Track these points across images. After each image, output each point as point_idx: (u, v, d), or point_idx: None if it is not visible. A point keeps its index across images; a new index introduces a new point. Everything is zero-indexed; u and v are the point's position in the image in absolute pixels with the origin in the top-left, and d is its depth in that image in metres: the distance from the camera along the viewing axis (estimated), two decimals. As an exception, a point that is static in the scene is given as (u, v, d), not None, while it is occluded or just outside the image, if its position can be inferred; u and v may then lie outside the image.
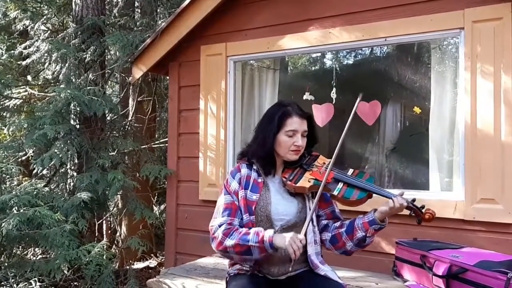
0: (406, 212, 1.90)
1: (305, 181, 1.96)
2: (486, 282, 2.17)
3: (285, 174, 2.02)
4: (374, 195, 1.93)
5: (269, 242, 1.83)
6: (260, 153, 2.01)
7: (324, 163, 2.04)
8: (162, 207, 6.51)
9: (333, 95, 3.52)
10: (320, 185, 1.90)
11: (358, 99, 1.99)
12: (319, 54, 5.27)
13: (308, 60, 6.10)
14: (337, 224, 2.02)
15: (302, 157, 2.05)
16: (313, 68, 6.12)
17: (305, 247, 1.97)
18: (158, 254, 5.96)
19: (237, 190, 2.01)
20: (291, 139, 1.96)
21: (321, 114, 3.58)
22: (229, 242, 1.90)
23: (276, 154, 2.02)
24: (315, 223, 2.02)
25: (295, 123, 1.96)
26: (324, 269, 1.99)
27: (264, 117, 2.08)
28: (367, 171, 2.05)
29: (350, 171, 2.01)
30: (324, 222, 2.05)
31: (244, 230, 1.92)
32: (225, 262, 2.54)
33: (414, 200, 1.90)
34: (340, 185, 1.94)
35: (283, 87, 4.11)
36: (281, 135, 1.97)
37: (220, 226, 1.95)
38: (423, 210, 1.88)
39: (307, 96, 3.75)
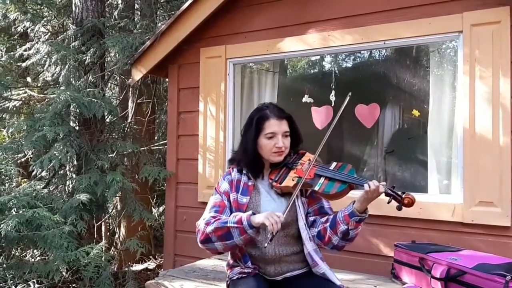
0: (386, 199, 1.87)
1: (289, 180, 1.99)
2: (485, 285, 2.17)
3: (271, 175, 2.06)
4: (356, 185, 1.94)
5: (247, 220, 1.84)
6: (245, 159, 2.05)
7: (309, 160, 2.06)
8: (161, 209, 6.51)
9: (332, 97, 3.53)
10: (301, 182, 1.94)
11: (347, 99, 2.01)
12: (318, 57, 5.28)
13: (308, 63, 6.11)
14: (324, 219, 2.02)
15: (287, 157, 2.07)
16: (312, 71, 6.13)
17: (300, 245, 2.01)
18: (157, 256, 5.95)
19: (227, 190, 2.06)
20: (271, 141, 1.99)
21: (320, 117, 3.59)
22: (209, 228, 1.91)
23: (262, 157, 2.05)
24: (305, 220, 2.02)
25: (272, 126, 1.99)
26: (323, 268, 1.99)
27: (245, 123, 2.11)
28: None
29: (333, 164, 2.03)
30: (312, 218, 2.06)
31: (225, 217, 1.94)
32: (224, 264, 2.54)
33: (393, 187, 1.89)
34: (321, 180, 1.96)
35: (282, 89, 4.13)
36: (261, 139, 2.00)
37: (204, 219, 1.98)
38: (403, 196, 1.86)
39: (306, 98, 3.76)
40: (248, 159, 2.04)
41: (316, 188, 1.95)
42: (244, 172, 2.09)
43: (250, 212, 1.89)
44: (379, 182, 1.86)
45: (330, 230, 1.94)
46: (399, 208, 1.86)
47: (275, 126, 1.99)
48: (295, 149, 2.11)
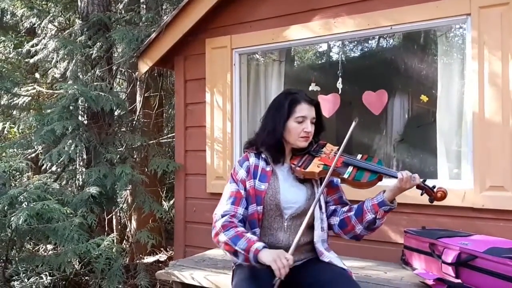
0: (417, 192, 1.89)
1: (315, 166, 1.98)
2: (496, 269, 2.15)
3: (293, 161, 2.04)
4: (384, 177, 1.94)
5: (254, 254, 1.79)
6: (270, 141, 2.01)
7: (332, 150, 2.06)
8: (172, 202, 6.54)
9: (339, 85, 3.50)
10: (329, 170, 1.92)
11: (354, 123, 1.99)
12: (325, 45, 5.24)
13: (314, 51, 6.07)
14: (345, 208, 2.03)
15: (309, 145, 2.06)
16: (319, 60, 6.09)
17: (312, 234, 1.99)
18: (168, 249, 5.99)
19: (245, 179, 2.02)
20: (300, 125, 1.98)
21: (328, 105, 3.56)
22: (222, 237, 1.89)
23: (285, 142, 2.04)
24: (323, 209, 2.01)
25: (304, 110, 1.99)
26: (329, 256, 1.99)
27: (272, 106, 2.09)
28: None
29: (359, 156, 2.02)
30: (332, 207, 2.06)
31: (241, 229, 1.90)
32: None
33: (425, 180, 1.90)
34: (350, 168, 1.95)
35: (288, 78, 4.11)
36: (290, 122, 1.99)
37: (222, 216, 1.94)
38: (435, 190, 1.87)
39: (313, 87, 3.73)
40: (273, 142, 2.01)
41: (346, 176, 1.93)
42: (263, 156, 2.06)
43: (261, 245, 1.81)
44: (409, 173, 1.85)
45: (355, 218, 1.94)
46: (431, 201, 1.89)
47: (306, 110, 1.99)
48: (316, 138, 2.10)
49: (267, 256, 1.76)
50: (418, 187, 1.87)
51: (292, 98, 2.01)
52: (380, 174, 1.92)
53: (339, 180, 2.09)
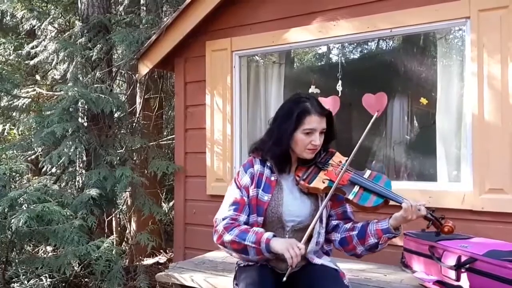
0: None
1: (319, 182, 1.91)
2: (496, 271, 2.15)
3: (298, 172, 1.97)
4: (391, 201, 1.87)
5: (265, 243, 1.78)
6: (275, 151, 1.95)
7: (340, 162, 1.98)
8: (171, 204, 6.53)
9: (339, 87, 3.51)
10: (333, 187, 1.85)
11: (375, 115, 1.97)
12: (324, 48, 5.25)
13: (314, 53, 6.08)
14: (348, 226, 1.97)
15: (317, 154, 1.99)
16: (318, 62, 6.10)
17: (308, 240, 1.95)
18: (167, 251, 5.99)
19: (248, 186, 1.97)
20: (308, 137, 1.90)
21: (327, 107, 3.56)
22: (227, 237, 1.85)
23: (291, 151, 1.97)
24: (323, 223, 1.97)
25: (314, 122, 1.89)
26: (320, 261, 1.97)
27: (280, 111, 2.00)
28: (380, 170, 1.99)
29: (367, 173, 1.95)
30: (334, 222, 2.01)
31: (244, 227, 1.88)
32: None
33: (433, 211, 1.83)
34: (356, 188, 1.88)
35: (288, 81, 4.11)
36: (298, 133, 1.90)
37: (223, 219, 1.91)
38: (442, 222, 1.80)
39: (312, 89, 3.74)
40: (279, 152, 1.93)
41: (350, 197, 1.86)
42: (268, 164, 2.00)
43: (271, 234, 1.81)
44: (415, 203, 1.78)
45: (357, 239, 1.90)
46: (437, 234, 1.82)
47: (316, 122, 1.88)
48: (325, 146, 2.02)
49: (280, 245, 1.76)
50: (425, 218, 1.80)
51: (303, 107, 1.89)
52: (387, 199, 1.84)
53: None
